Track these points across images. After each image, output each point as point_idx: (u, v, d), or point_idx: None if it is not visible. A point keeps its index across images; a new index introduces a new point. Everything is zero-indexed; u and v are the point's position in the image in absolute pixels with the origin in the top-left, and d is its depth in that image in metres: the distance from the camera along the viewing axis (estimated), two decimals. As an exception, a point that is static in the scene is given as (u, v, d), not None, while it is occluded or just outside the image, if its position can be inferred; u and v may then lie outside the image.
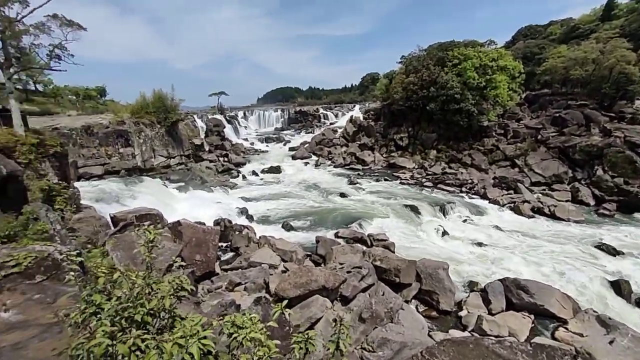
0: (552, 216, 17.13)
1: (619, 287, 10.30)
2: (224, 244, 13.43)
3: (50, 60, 13.45)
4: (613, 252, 13.05)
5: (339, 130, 40.91)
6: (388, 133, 33.98)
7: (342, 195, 20.85)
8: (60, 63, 13.73)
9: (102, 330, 1.66)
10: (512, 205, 18.74)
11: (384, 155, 31.79)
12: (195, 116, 40.13)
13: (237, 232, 13.99)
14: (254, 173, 27.56)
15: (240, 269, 10.87)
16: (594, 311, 8.75)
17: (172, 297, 2.15)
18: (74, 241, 8.22)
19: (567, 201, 19.13)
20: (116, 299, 2.01)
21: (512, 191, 20.72)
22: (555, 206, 17.76)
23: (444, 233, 15.17)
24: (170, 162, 25.49)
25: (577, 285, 10.78)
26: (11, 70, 12.73)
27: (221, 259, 12.26)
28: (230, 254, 12.87)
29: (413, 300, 10.11)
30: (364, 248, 12.39)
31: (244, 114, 59.84)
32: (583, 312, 8.84)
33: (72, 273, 2.20)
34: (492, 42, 35.39)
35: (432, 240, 14.73)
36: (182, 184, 21.05)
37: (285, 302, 2.30)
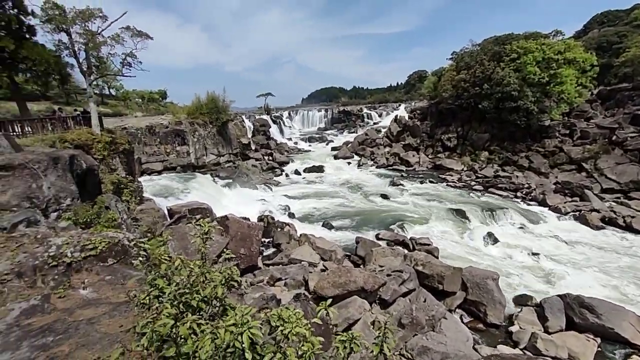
0: (629, 228, 15.06)
1: None
2: (267, 240, 13.97)
3: (122, 67, 15.10)
4: None
5: (383, 130, 40.14)
6: (435, 133, 32.51)
7: (384, 196, 20.46)
8: (130, 69, 15.35)
9: (167, 312, 1.86)
10: (576, 213, 16.84)
11: (430, 156, 30.50)
12: (243, 116, 42.23)
13: (279, 229, 14.47)
14: (297, 172, 28.19)
15: (281, 265, 11.24)
16: (679, 341, 7.55)
17: (223, 286, 2.34)
18: (137, 230, 9.18)
19: (647, 212, 16.66)
20: (175, 285, 2.24)
21: (577, 198, 18.62)
22: (633, 217, 15.57)
23: (495, 240, 14.14)
24: (220, 160, 27.14)
25: (657, 309, 9.36)
26: (92, 77, 14.55)
27: (263, 254, 12.77)
28: (272, 250, 13.35)
29: (457, 310, 9.60)
30: (406, 252, 12.04)
31: (289, 114, 61.49)
32: (664, 340, 7.67)
33: (140, 259, 2.49)
34: (558, 33, 31.96)
35: (480, 247, 13.83)
36: (230, 180, 22.28)
37: (329, 300, 2.35)
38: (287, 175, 27.52)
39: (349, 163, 31.93)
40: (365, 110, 62.77)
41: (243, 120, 39.51)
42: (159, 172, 22.10)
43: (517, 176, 23.20)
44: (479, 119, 29.08)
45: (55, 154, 7.18)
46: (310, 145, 42.68)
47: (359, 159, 32.62)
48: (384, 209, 18.33)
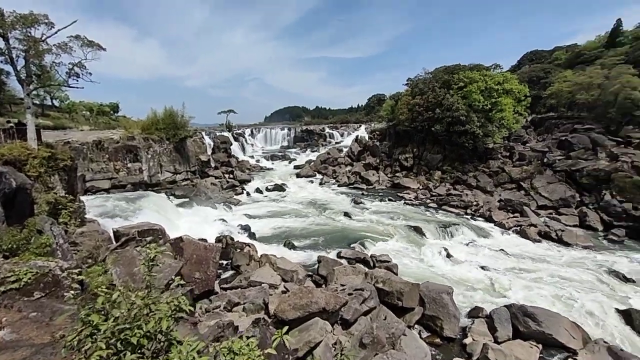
0: (559, 241, 16.78)
1: (630, 316, 9.90)
2: (225, 262, 13.36)
3: (69, 77, 14.00)
4: (624, 279, 12.66)
5: (344, 150, 41.27)
6: (393, 153, 34.17)
7: (346, 214, 20.77)
8: (78, 80, 14.27)
9: (98, 355, 1.66)
10: (517, 228, 18.44)
11: (389, 175, 31.82)
12: (203, 133, 40.96)
13: (238, 250, 13.93)
14: (259, 190, 27.70)
15: (239, 288, 10.75)
16: (605, 342, 8.41)
17: (169, 318, 2.16)
18: (75, 255, 8.26)
19: (574, 226, 18.77)
20: (113, 320, 2.03)
21: (518, 214, 20.43)
22: (563, 231, 17.42)
23: (448, 255, 14.90)
24: (176, 178, 25.82)
25: (586, 313, 10.41)
26: (31, 86, 13.27)
27: (221, 277, 12.16)
28: (231, 272, 12.77)
29: (416, 326, 9.82)
30: (366, 269, 12.18)
31: (251, 131, 60.92)
32: (593, 342, 8.49)
33: (72, 292, 2.23)
34: (497, 66, 35.99)
35: (435, 262, 14.46)
36: (187, 199, 21.23)
37: (285, 328, 2.28)
38: (248, 193, 26.90)
39: (312, 181, 32.14)
40: (327, 129, 64.29)
41: (203, 137, 38.30)
42: (107, 191, 20.41)
43: (466, 194, 24.95)
44: (433, 140, 31.22)
45: (-22, 171, 6.33)
46: (272, 164, 42.41)
47: (322, 177, 33.00)
48: (346, 227, 18.56)
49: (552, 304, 10.81)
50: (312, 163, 37.93)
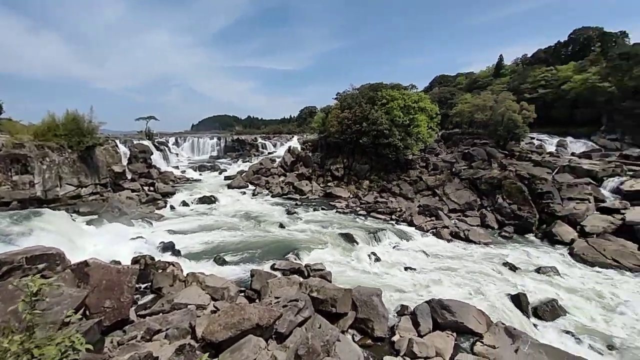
0: (467, 239, 19.29)
1: (519, 299, 11.85)
2: (144, 285, 11.90)
3: None
4: (513, 268, 15.13)
5: (277, 160, 41.07)
6: (325, 164, 35.30)
7: (280, 225, 20.54)
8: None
9: None
10: (434, 230, 20.65)
11: (321, 185, 32.67)
12: (117, 141, 36.37)
13: (160, 270, 12.55)
14: (185, 203, 25.62)
15: (161, 313, 9.64)
16: (502, 324, 9.84)
17: (58, 362, 1.78)
18: None
19: (477, 226, 21.82)
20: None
21: (434, 218, 22.91)
22: (469, 230, 20.09)
23: (377, 259, 15.84)
24: (81, 192, 22.26)
25: (488, 300, 12.09)
26: None
27: (138, 303, 10.76)
28: (151, 296, 11.40)
29: (349, 330, 10.09)
30: (301, 279, 12.16)
31: (176, 140, 56.56)
32: (494, 325, 9.87)
33: None
34: (413, 87, 40.71)
35: (366, 267, 15.21)
36: (95, 216, 18.46)
37: (206, 355, 2.08)
38: (172, 207, 24.64)
39: (244, 193, 31.07)
40: (260, 140, 63.31)
41: (117, 145, 33.96)
42: (-19, 210, 16.44)
43: (391, 201, 27.06)
44: (361, 152, 33.26)
45: None
46: (201, 175, 39.82)
47: (254, 188, 32.16)
48: (280, 238, 18.32)
49: (463, 295, 12.28)
50: (244, 174, 36.79)
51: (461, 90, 64.46)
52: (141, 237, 16.45)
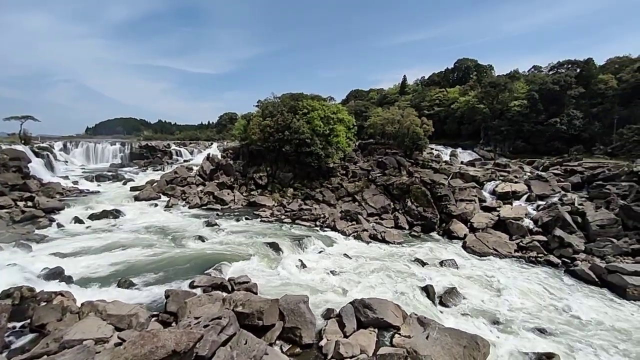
0: (383, 240, 21.05)
1: (427, 291, 13.44)
2: (20, 324, 9.51)
3: None
4: (422, 263, 17.10)
5: (195, 168, 38.24)
6: (248, 172, 34.30)
7: (200, 238, 19.01)
8: None
9: None
10: (355, 234, 21.95)
11: (244, 194, 31.58)
12: (-25, 145, 28.70)
13: (43, 303, 10.24)
14: (78, 220, 21.61)
15: (45, 356, 7.82)
16: (415, 314, 10.97)
17: None
18: None
19: (392, 227, 24.03)
20: None
21: (354, 222, 24.36)
22: (385, 232, 21.98)
23: (303, 266, 15.99)
24: None
25: (402, 295, 13.37)
26: None
27: (11, 348, 8.54)
28: (30, 336, 9.16)
29: (277, 341, 9.86)
30: (224, 295, 11.43)
31: (64, 145, 47.84)
32: (409, 317, 10.92)
33: None
34: (332, 98, 42.99)
35: (293, 275, 15.19)
36: (-60, 243, 14.06)
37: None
38: (60, 225, 20.51)
39: (155, 205, 27.85)
40: (173, 146, 58.02)
41: (-25, 151, 26.75)
42: None
43: (315, 208, 27.80)
44: (284, 160, 33.40)
45: None
46: (99, 186, 34.24)
47: (168, 199, 29.13)
48: (200, 252, 16.94)
49: (382, 292, 13.29)
50: (156, 184, 33.07)
51: (374, 104, 71.03)
52: (14, 264, 13.16)
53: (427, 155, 41.75)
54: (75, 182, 33.76)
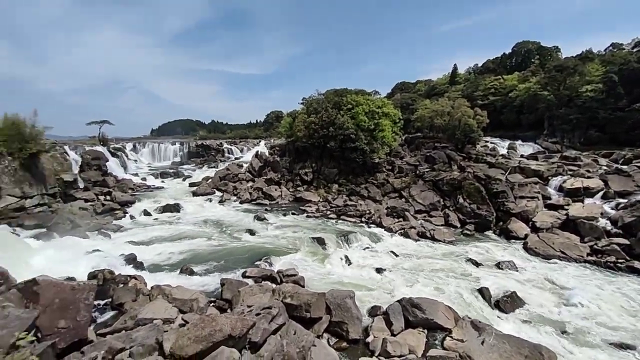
0: (433, 238, 20.20)
1: (482, 293, 12.62)
2: (103, 302, 11.00)
3: None
4: (476, 264, 16.09)
5: (245, 165, 40.27)
6: (294, 168, 35.20)
7: (250, 232, 20.08)
8: None
9: None
10: (402, 231, 21.37)
11: (291, 190, 32.50)
12: (66, 147, 33.56)
13: (121, 285, 11.69)
14: (146, 213, 24.16)
15: (124, 331, 8.95)
16: (469, 318, 10.40)
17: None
18: None
19: (441, 225, 22.94)
20: None
21: (401, 219, 23.72)
22: (434, 230, 21.06)
23: (349, 262, 16.04)
24: (25, 204, 20.11)
25: (454, 296, 12.73)
26: None
27: (97, 322, 9.93)
28: (112, 313, 10.57)
29: (324, 334, 10.08)
30: (274, 286, 11.97)
31: (134, 146, 53.42)
32: (462, 319, 10.39)
33: None
34: (377, 92, 42.07)
35: (338, 270, 15.34)
36: (43, 230, 16.82)
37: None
38: (132, 217, 23.12)
39: (210, 200, 30.00)
40: (225, 145, 61.70)
41: (65, 152, 31.28)
42: None
43: (360, 204, 27.61)
44: (329, 156, 33.63)
45: None
46: (163, 182, 37.82)
47: (221, 194, 31.19)
48: (250, 245, 17.91)
49: (431, 293, 12.81)
50: (210, 180, 35.56)
51: (421, 97, 67.96)
52: (98, 250, 15.20)
53: (481, 149, 38.88)
54: (144, 179, 37.69)
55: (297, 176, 34.21)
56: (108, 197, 26.83)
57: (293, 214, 25.46)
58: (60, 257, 13.88)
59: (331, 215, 25.23)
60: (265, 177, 34.86)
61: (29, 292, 7.69)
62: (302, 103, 40.89)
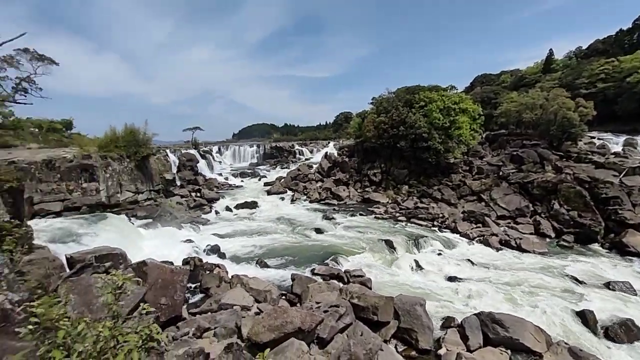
0: (519, 248, 17.89)
1: (585, 317, 10.68)
2: (193, 285, 12.63)
3: (15, 93, 12.96)
4: (576, 282, 13.70)
5: (314, 166, 41.58)
6: (362, 169, 34.99)
7: (318, 230, 20.69)
8: (26, 96, 13.25)
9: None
10: (481, 238, 19.43)
11: (359, 191, 32.39)
12: (167, 150, 39.37)
13: (207, 272, 13.27)
14: (228, 209, 26.86)
15: (210, 312, 10.16)
16: (566, 343, 8.94)
17: (140, 349, 1.98)
18: (22, 286, 7.35)
19: (530, 234, 20.15)
20: (77, 355, 1.81)
21: (480, 225, 21.58)
22: (521, 239, 18.62)
23: (419, 267, 15.27)
24: (138, 198, 24.31)
25: (547, 316, 11.05)
26: (-31, 101, 12.09)
27: (189, 302, 11.45)
28: (200, 296, 12.07)
29: (392, 340, 9.82)
30: (341, 285, 12.12)
31: (219, 149, 59.71)
32: (556, 344, 9.00)
33: (31, 326, 1.95)
34: (453, 87, 39.02)
35: (407, 275, 14.73)
36: (150, 220, 20.02)
37: (267, 351, 2.18)
38: (217, 212, 25.96)
39: (283, 198, 31.83)
40: (297, 146, 64.65)
41: (167, 155, 36.75)
42: (58, 214, 18.66)
43: (432, 207, 26.01)
44: (399, 156, 32.49)
45: None
46: (242, 181, 41.55)
47: (292, 194, 32.81)
48: (319, 243, 18.45)
49: (516, 309, 11.37)
50: (283, 180, 37.70)
51: (506, 89, 60.59)
52: (190, 240, 17.53)
53: (584, 146, 32.88)
54: (226, 178, 41.97)
55: (365, 177, 33.93)
56: (198, 194, 30.64)
57: (361, 214, 25.34)
58: (162, 244, 16.43)
59: (400, 218, 24.35)
60: (333, 178, 35.46)
61: (140, 271, 9.29)
62: (371, 103, 40.42)
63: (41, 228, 14.34)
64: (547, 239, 19.58)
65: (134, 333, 2.11)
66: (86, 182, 21.25)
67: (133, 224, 18.98)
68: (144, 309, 2.63)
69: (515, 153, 30.39)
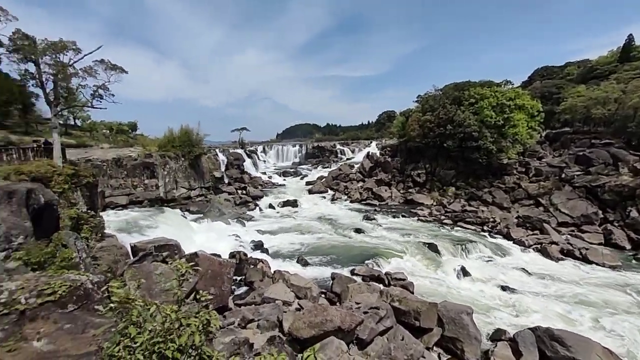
0: (584, 260, 16.08)
1: (668, 343, 9.27)
2: (238, 278, 13.32)
3: (93, 99, 14.73)
4: (656, 302, 11.94)
5: (356, 166, 41.33)
6: (405, 169, 33.98)
7: (358, 230, 20.55)
8: (101, 102, 14.99)
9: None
10: (538, 246, 17.80)
11: (401, 191, 31.52)
12: (217, 150, 41.93)
13: (251, 266, 13.90)
14: (271, 206, 27.83)
15: (253, 305, 10.64)
16: (641, 370, 7.86)
17: (201, 333, 2.18)
18: (96, 269, 8.41)
19: (599, 244, 18.00)
20: (148, 333, 2.05)
21: (537, 231, 19.78)
22: (587, 249, 16.71)
23: (466, 274, 14.45)
24: (190, 194, 26.27)
25: (619, 338, 9.81)
26: (58, 108, 14.01)
27: (235, 293, 12.10)
28: (244, 289, 12.70)
29: (435, 348, 9.43)
30: (381, 287, 11.93)
31: (264, 148, 62.04)
32: (628, 370, 7.95)
33: (112, 305, 2.27)
34: (508, 82, 35.96)
35: (453, 281, 14.02)
36: (201, 215, 21.49)
37: (317, 345, 2.25)
38: (261, 209, 27.05)
39: (324, 197, 32.13)
40: (338, 146, 64.79)
41: (216, 154, 39.14)
42: (124, 206, 20.89)
43: (482, 210, 24.40)
44: (445, 156, 30.96)
45: (10, 187, 6.63)
46: (284, 180, 42.74)
47: (333, 193, 32.96)
48: (359, 243, 18.33)
49: (579, 327, 10.26)
50: (324, 179, 38.03)
51: (571, 82, 54.44)
52: (236, 235, 18.52)
53: (671, 146, 28.33)
54: (270, 177, 43.51)
55: (408, 177, 32.90)
56: (244, 192, 32.19)
57: (403, 216, 24.64)
58: (211, 237, 17.57)
59: (446, 221, 23.22)
60: (375, 178, 34.92)
61: (192, 262, 10.05)
62: (416, 101, 39.03)
63: (111, 219, 16.19)
64: (621, 251, 17.32)
65: (194, 317, 2.33)
66: (147, 179, 23.51)
67: (186, 217, 20.55)
68: (203, 296, 2.86)
69: (581, 153, 27.25)
